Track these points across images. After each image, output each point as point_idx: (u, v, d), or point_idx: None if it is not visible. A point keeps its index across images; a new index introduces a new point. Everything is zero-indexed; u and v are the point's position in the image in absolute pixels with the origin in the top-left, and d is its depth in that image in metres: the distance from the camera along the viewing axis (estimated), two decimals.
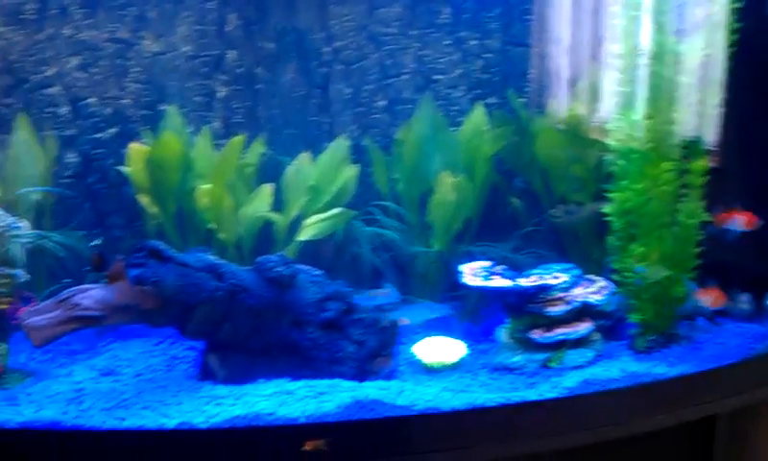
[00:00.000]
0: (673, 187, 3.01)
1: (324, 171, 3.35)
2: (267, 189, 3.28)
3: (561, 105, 3.60)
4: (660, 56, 2.93)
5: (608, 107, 3.37)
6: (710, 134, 3.20)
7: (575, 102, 3.55)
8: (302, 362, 2.76)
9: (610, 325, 3.15)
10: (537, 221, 3.57)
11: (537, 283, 2.92)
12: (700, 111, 3.20)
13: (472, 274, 3.02)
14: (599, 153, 3.34)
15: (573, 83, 3.60)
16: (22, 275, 2.77)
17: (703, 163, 3.01)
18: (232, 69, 3.46)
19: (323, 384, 2.64)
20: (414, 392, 2.64)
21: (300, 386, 2.64)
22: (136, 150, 3.14)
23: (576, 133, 3.48)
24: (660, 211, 3.01)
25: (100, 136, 3.34)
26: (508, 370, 2.92)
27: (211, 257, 2.74)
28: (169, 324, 2.69)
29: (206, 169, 3.21)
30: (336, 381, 2.68)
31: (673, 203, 3.03)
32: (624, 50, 2.97)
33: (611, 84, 3.30)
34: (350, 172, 3.38)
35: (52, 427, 2.39)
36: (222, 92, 3.46)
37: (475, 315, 3.33)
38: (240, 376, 2.68)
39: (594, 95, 3.47)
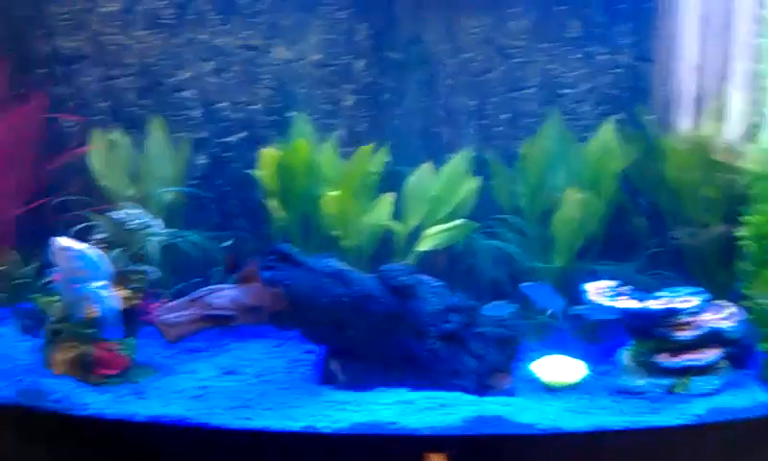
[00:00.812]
0: None
1: (445, 182, 3.35)
2: (388, 198, 3.29)
3: (688, 124, 3.50)
4: None
5: (736, 128, 3.26)
6: None
7: (704, 122, 3.44)
8: (421, 373, 2.76)
9: (738, 353, 3.03)
10: (662, 242, 3.46)
11: (666, 306, 2.84)
12: None
13: (598, 293, 2.96)
14: (728, 175, 3.23)
15: (700, 102, 3.49)
16: (153, 272, 2.86)
17: None
18: (359, 78, 3.50)
19: (443, 396, 2.64)
20: (535, 411, 2.61)
21: (420, 397, 2.64)
22: (269, 155, 3.22)
23: (705, 155, 3.37)
24: None
25: (229, 140, 3.42)
26: (631, 393, 2.84)
27: (338, 264, 2.77)
28: (294, 327, 2.73)
29: (332, 176, 3.25)
30: (456, 394, 2.66)
31: None
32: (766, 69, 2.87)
33: (739, 105, 3.20)
34: (472, 184, 3.37)
35: (179, 423, 2.45)
36: (348, 101, 3.50)
37: (597, 335, 3.26)
38: (360, 382, 2.70)
39: (722, 116, 3.36)
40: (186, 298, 2.56)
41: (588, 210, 3.27)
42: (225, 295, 2.50)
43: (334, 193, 3.14)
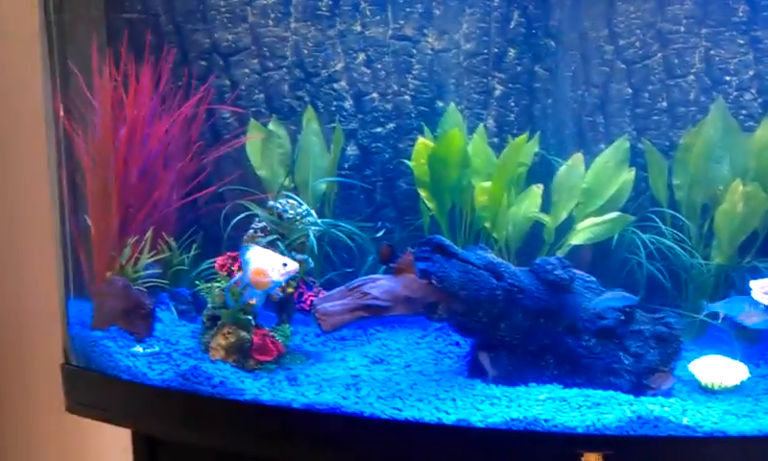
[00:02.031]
0: None
1: (599, 173, 3.27)
2: (537, 190, 3.26)
3: None
4: None
5: None
6: None
7: None
8: (575, 370, 2.72)
9: None
10: None
11: None
12: None
13: (764, 291, 2.83)
14: None
15: None
16: (311, 262, 2.94)
17: None
18: (511, 67, 3.47)
19: (598, 395, 2.59)
20: (697, 412, 2.52)
21: (575, 394, 2.60)
22: (423, 145, 3.24)
23: None
24: None
25: (380, 131, 3.47)
26: None
27: (491, 256, 2.77)
28: (446, 318, 2.74)
29: (482, 167, 3.24)
30: (612, 393, 2.61)
31: None
32: None
33: None
34: (628, 176, 3.28)
35: (334, 411, 2.51)
36: (498, 90, 3.48)
37: (759, 334, 3.12)
38: (510, 377, 2.69)
39: None
40: (343, 287, 2.62)
41: (753, 204, 3.13)
42: (380, 285, 2.55)
43: (486, 184, 3.13)
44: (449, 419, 2.43)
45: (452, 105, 3.35)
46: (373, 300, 2.56)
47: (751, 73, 3.45)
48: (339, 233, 3.13)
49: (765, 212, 3.19)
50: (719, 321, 2.88)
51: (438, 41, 3.45)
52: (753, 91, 3.44)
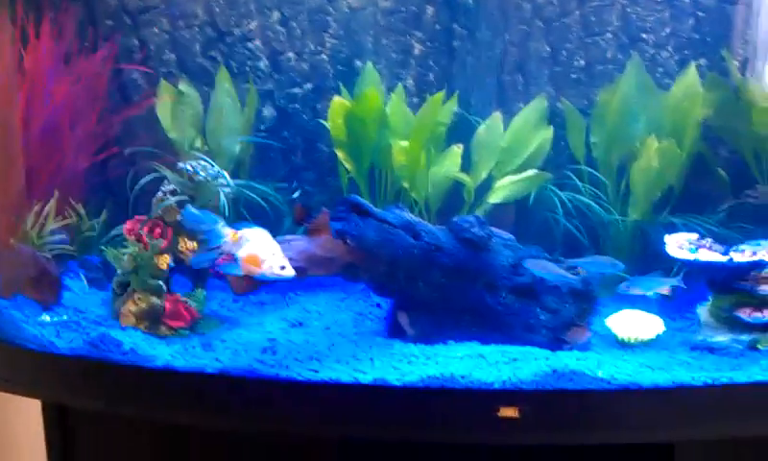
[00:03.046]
0: None
1: (518, 132, 3.29)
2: (457, 150, 3.26)
3: None
4: None
5: None
6: None
7: None
8: (493, 327, 2.74)
9: None
10: (744, 193, 3.35)
11: (750, 259, 2.75)
12: None
13: (678, 246, 2.88)
14: None
15: None
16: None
17: None
18: (429, 26, 3.44)
19: (515, 351, 2.61)
20: (612, 365, 2.57)
21: (492, 351, 2.62)
22: (339, 104, 3.20)
23: None
24: None
25: (297, 91, 3.41)
26: (710, 349, 2.78)
27: (408, 215, 2.76)
28: (364, 279, 2.73)
29: (401, 127, 3.22)
30: (529, 348, 2.64)
31: None
32: None
33: None
34: (546, 134, 3.30)
35: (249, 375, 2.48)
36: (417, 49, 3.45)
37: (674, 289, 3.18)
38: (430, 335, 2.70)
39: None
40: None
41: (668, 160, 3.18)
42: (294, 246, 2.51)
43: (404, 143, 3.11)
44: (366, 378, 2.43)
45: (369, 64, 3.31)
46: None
47: (667, 30, 3.50)
48: (252, 195, 3.07)
49: (680, 168, 3.25)
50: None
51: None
52: (669, 48, 3.49)
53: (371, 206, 2.69)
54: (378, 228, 2.65)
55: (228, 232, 2.44)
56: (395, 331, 2.77)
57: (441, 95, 3.19)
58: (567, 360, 2.55)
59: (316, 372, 2.47)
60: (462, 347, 2.66)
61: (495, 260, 2.79)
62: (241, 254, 2.43)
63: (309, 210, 2.62)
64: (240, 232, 2.45)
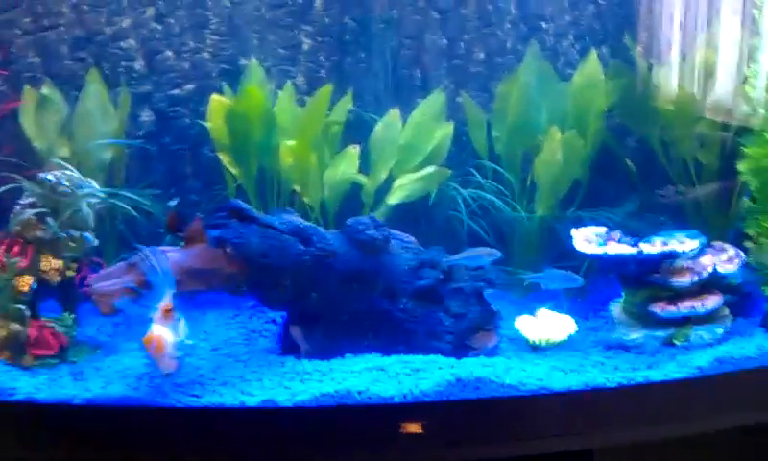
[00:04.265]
0: None
1: (416, 129, 3.12)
2: (353, 150, 3.07)
3: (677, 55, 3.29)
4: None
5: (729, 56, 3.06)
6: None
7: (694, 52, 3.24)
8: (395, 336, 2.56)
9: (740, 298, 2.86)
10: (653, 184, 3.26)
11: (661, 250, 2.64)
12: None
13: (586, 240, 2.76)
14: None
15: (691, 30, 3.29)
16: (92, 239, 2.62)
17: None
18: (318, 19, 3.25)
19: (418, 360, 2.45)
20: (521, 370, 2.42)
21: (394, 362, 2.44)
22: (218, 102, 2.97)
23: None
24: None
25: (177, 93, 3.18)
26: (625, 348, 2.67)
27: (297, 219, 2.55)
28: (250, 291, 2.51)
29: (290, 126, 3.02)
30: (433, 357, 2.47)
31: None
32: None
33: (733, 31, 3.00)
34: (445, 130, 3.15)
35: (120, 404, 2.24)
36: (307, 45, 3.26)
37: (585, 287, 3.07)
38: (326, 349, 2.51)
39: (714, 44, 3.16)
40: (122, 264, 2.33)
41: (572, 152, 3.06)
42: (166, 258, 2.27)
43: (290, 142, 2.90)
44: (253, 401, 2.21)
45: (254, 60, 3.10)
46: None
47: (568, 18, 3.40)
48: (125, 206, 2.81)
49: (585, 160, 3.13)
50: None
51: None
52: (570, 37, 3.39)
53: (253, 210, 2.47)
54: (262, 234, 2.44)
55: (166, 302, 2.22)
56: (289, 348, 2.56)
57: (328, 89, 3.00)
58: (473, 368, 2.39)
59: (198, 397, 2.25)
60: (360, 360, 2.48)
61: (395, 264, 2.62)
62: (156, 323, 2.20)
63: (183, 218, 2.38)
64: (174, 314, 2.24)
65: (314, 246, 2.50)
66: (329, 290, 2.53)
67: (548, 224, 3.14)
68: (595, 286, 3.04)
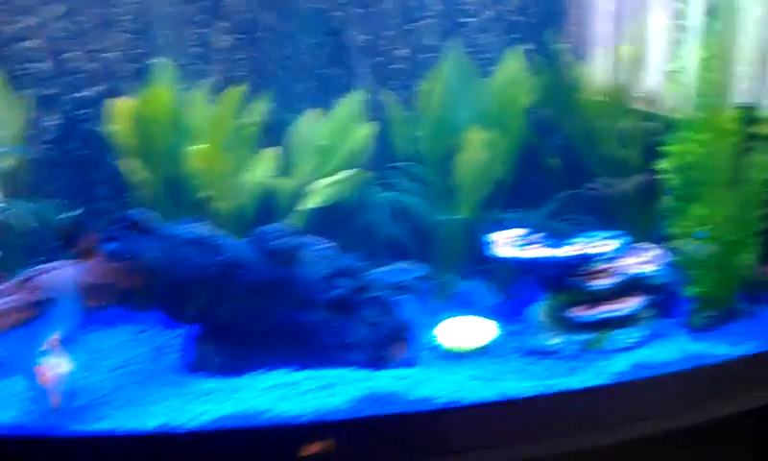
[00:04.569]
0: (739, 138, 2.68)
1: (335, 129, 3.04)
2: (271, 152, 2.98)
3: (604, 51, 3.26)
4: None
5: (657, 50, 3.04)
6: None
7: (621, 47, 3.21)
8: (308, 349, 2.48)
9: (663, 299, 2.84)
10: (577, 183, 3.23)
11: (579, 253, 2.60)
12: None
13: (506, 243, 2.71)
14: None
15: (619, 24, 3.26)
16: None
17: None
18: (233, 15, 3.15)
19: (330, 374, 2.37)
20: (437, 381, 2.36)
21: (304, 377, 2.36)
22: (122, 106, 2.84)
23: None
24: (725, 166, 2.68)
25: (83, 95, 3.05)
26: (545, 353, 2.64)
27: (203, 228, 2.46)
28: (154, 306, 2.41)
29: (203, 128, 2.91)
30: (346, 371, 2.39)
31: (739, 157, 2.70)
32: None
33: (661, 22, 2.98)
34: (366, 130, 3.07)
35: (10, 433, 2.12)
36: (222, 42, 3.15)
37: (508, 291, 3.03)
38: (235, 366, 2.42)
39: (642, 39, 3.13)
40: (13, 281, 2.21)
41: (494, 152, 3.00)
42: (58, 274, 2.16)
43: (200, 146, 2.79)
44: (151, 425, 2.11)
45: (163, 59, 2.98)
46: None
47: (490, 13, 3.34)
48: (18, 216, 2.68)
49: (509, 159, 3.08)
50: None
51: None
52: (494, 33, 3.34)
53: (153, 221, 2.37)
54: (164, 245, 2.34)
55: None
56: (198, 364, 2.47)
57: (238, 90, 2.90)
58: (387, 381, 2.32)
59: (92, 423, 2.14)
60: (271, 376, 2.39)
61: (308, 273, 2.53)
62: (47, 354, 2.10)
63: (77, 230, 2.27)
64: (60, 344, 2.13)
65: (220, 256, 2.41)
66: (238, 303, 2.44)
67: (471, 226, 3.08)
68: (522, 289, 3.00)
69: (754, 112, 2.77)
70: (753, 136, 2.75)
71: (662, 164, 2.74)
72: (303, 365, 2.43)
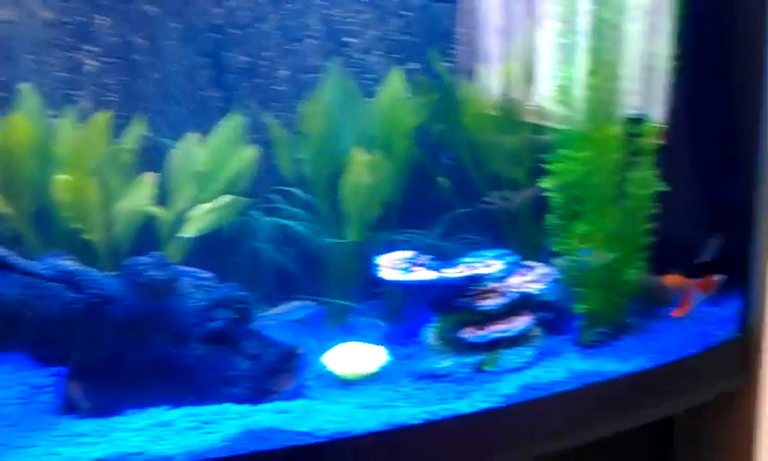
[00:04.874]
0: (621, 154, 2.71)
1: (214, 154, 2.95)
2: (147, 179, 2.87)
3: (490, 69, 3.27)
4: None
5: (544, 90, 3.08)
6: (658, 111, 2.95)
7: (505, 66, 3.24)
8: (185, 385, 2.38)
9: (552, 317, 2.85)
10: (468, 202, 3.22)
11: (465, 274, 2.58)
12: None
13: (391, 266, 2.67)
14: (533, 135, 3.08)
15: (505, 42, 3.29)
16: None
17: (652, 129, 2.74)
18: (103, 38, 3.03)
19: (209, 411, 2.27)
20: (321, 412, 2.29)
21: (182, 415, 2.25)
22: None
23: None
24: (607, 182, 2.71)
25: None
26: (435, 377, 2.59)
27: (67, 263, 2.33)
28: (16, 348, 2.27)
29: (70, 157, 2.77)
30: (226, 406, 2.30)
31: (622, 172, 2.74)
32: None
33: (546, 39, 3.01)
34: (247, 154, 2.99)
35: None
36: (91, 66, 3.03)
37: (399, 314, 2.98)
38: (108, 406, 2.29)
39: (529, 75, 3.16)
40: None
41: (380, 174, 2.96)
42: None
43: (64, 177, 2.66)
44: None
45: (26, 86, 2.83)
46: None
47: (373, 33, 3.31)
48: None
49: (396, 180, 3.05)
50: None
51: (2, 10, 2.92)
52: (377, 52, 3.31)
53: (10, 256, 2.23)
54: (23, 282, 2.20)
55: None
56: (68, 407, 2.34)
57: (105, 116, 2.77)
58: (268, 415, 2.24)
59: None
60: (146, 415, 2.27)
61: (184, 306, 2.43)
62: None
63: None
64: None
65: (86, 291, 2.28)
66: (109, 340, 2.32)
67: (361, 250, 3.03)
68: (414, 312, 2.96)
69: (638, 126, 2.81)
70: (635, 151, 2.79)
71: (545, 183, 2.75)
72: (180, 403, 2.32)
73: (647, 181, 2.72)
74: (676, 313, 2.89)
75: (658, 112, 3.02)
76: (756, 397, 2.93)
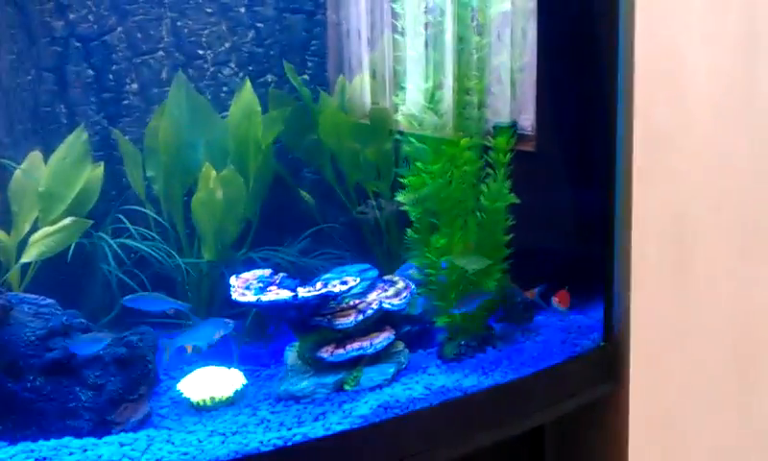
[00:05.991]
0: (475, 167, 2.79)
1: (56, 174, 2.87)
2: None
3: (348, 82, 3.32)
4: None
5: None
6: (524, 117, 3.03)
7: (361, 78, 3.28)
8: (24, 419, 2.31)
9: (416, 332, 2.89)
10: (330, 216, 3.24)
11: (319, 292, 2.59)
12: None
13: (243, 287, 2.66)
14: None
15: (365, 51, 3.34)
16: None
17: (507, 140, 2.81)
18: None
19: (47, 447, 2.21)
20: (168, 443, 2.26)
21: (20, 451, 2.18)
22: None
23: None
24: (461, 196, 2.77)
25: None
26: (294, 399, 2.59)
27: None
28: None
29: None
30: (66, 440, 2.24)
31: (476, 185, 2.81)
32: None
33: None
34: (93, 172, 2.93)
35: None
36: None
37: (261, 335, 2.97)
38: None
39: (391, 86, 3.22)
40: None
41: (234, 190, 2.95)
42: None
43: None
44: None
45: None
46: None
47: (227, 45, 3.29)
48: None
49: (251, 197, 3.04)
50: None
51: None
52: (232, 66, 3.29)
53: None
54: None
55: None
56: None
57: None
58: (112, 447, 2.20)
59: None
60: None
61: (18, 335, 2.36)
62: None
63: None
64: None
65: None
66: None
67: (216, 269, 3.01)
68: (274, 333, 2.96)
69: (495, 138, 2.88)
70: (490, 164, 2.87)
71: (401, 197, 2.80)
72: (17, 438, 2.26)
73: (500, 193, 2.79)
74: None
75: (524, 121, 3.11)
76: (624, 403, 3.02)
